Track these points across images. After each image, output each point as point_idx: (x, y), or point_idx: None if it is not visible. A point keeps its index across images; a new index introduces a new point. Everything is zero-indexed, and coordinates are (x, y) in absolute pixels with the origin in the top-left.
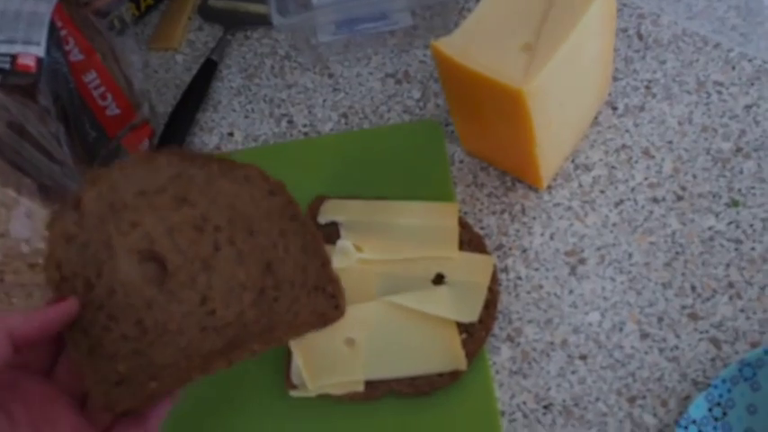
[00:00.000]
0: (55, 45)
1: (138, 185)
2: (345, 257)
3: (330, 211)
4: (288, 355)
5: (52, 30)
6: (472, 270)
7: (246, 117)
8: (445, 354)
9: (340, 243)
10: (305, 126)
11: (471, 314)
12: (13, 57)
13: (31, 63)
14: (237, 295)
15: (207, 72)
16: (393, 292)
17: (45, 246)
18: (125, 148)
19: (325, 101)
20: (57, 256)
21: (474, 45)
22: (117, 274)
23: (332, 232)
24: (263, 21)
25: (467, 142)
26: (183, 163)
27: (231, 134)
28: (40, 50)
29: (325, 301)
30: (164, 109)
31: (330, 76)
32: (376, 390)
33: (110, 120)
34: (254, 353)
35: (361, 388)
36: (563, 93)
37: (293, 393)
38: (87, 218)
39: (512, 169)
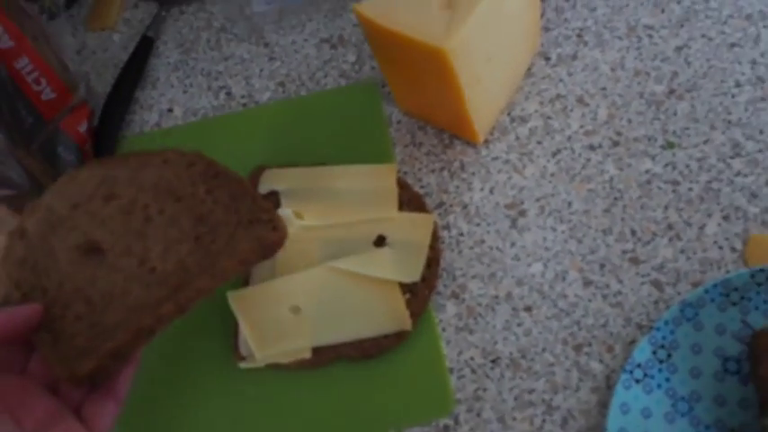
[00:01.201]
0: None
1: (70, 200)
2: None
3: (269, 181)
4: (235, 327)
5: None
6: (412, 229)
7: (185, 92)
8: (390, 315)
9: (280, 212)
10: (243, 97)
11: (413, 274)
12: None
13: None
14: (174, 249)
15: (144, 49)
16: (336, 256)
17: (2, 275)
18: (64, 130)
19: (261, 70)
20: (14, 278)
21: (395, 6)
22: (61, 269)
23: (272, 202)
24: None
25: (402, 103)
26: (104, 168)
27: (171, 110)
28: None
29: (263, 227)
30: (103, 89)
31: (266, 45)
32: (324, 356)
33: (45, 104)
34: (202, 292)
35: (308, 355)
36: (489, 48)
37: (242, 365)
38: (32, 241)
39: (448, 126)
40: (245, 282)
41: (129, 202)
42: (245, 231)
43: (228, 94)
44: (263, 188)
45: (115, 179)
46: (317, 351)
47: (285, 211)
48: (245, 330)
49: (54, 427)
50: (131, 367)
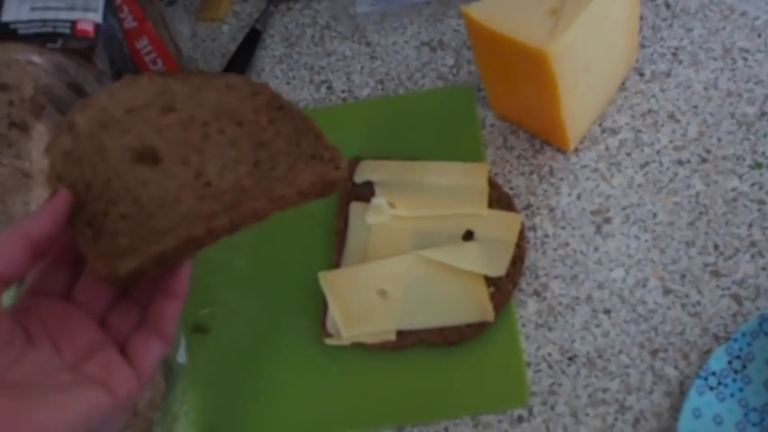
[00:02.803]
0: (110, 12)
1: (125, 104)
2: (380, 214)
3: (365, 171)
4: (324, 305)
5: None
6: (500, 227)
7: (288, 83)
8: (473, 306)
9: (375, 200)
10: (343, 92)
11: (498, 269)
12: (73, 23)
13: (90, 28)
14: (232, 168)
15: (251, 41)
16: (424, 246)
17: (47, 167)
18: None
19: (362, 68)
20: (57, 170)
21: (502, 10)
22: (111, 166)
23: (367, 191)
24: None
25: (497, 107)
26: (166, 80)
27: None
28: (97, 17)
29: (324, 165)
30: None
31: (368, 44)
32: (407, 339)
33: None
34: (257, 213)
35: (392, 337)
36: (588, 56)
37: (328, 341)
38: (81, 136)
39: (540, 132)
40: (336, 264)
41: (188, 117)
42: (305, 164)
43: (329, 88)
44: (359, 178)
45: (175, 93)
46: (400, 334)
47: (379, 200)
48: (333, 309)
49: (94, 357)
50: (177, 305)
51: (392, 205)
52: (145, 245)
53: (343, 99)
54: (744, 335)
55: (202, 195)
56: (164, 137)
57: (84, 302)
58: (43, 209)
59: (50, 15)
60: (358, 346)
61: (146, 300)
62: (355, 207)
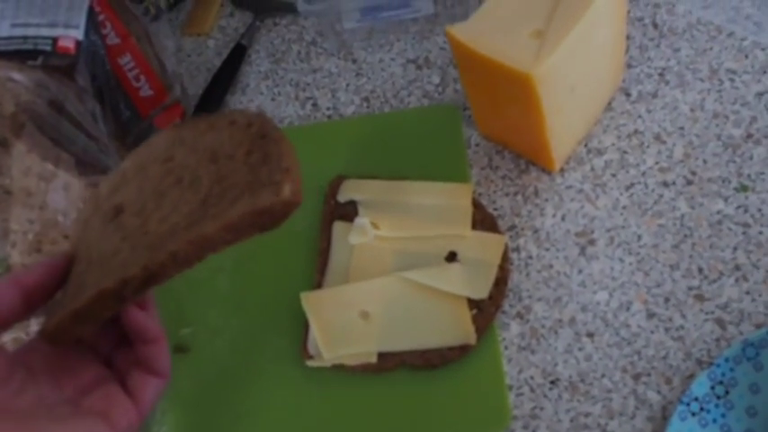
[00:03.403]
0: (93, 29)
1: (140, 162)
2: (362, 234)
3: (349, 190)
4: (306, 326)
5: (91, 14)
6: (484, 248)
7: (273, 100)
8: (456, 328)
9: (358, 220)
10: (328, 109)
11: (481, 291)
12: (54, 39)
13: (71, 45)
14: (177, 212)
15: (237, 56)
16: (407, 268)
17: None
18: (157, 127)
19: (348, 85)
20: (74, 238)
21: (487, 31)
22: (93, 229)
23: (350, 210)
24: (292, 8)
25: (483, 126)
26: (179, 130)
27: None
28: (78, 33)
29: (267, 191)
30: (195, 91)
31: (354, 61)
32: (388, 361)
33: (143, 100)
34: (175, 257)
35: (374, 359)
36: (573, 78)
37: (309, 363)
38: (98, 204)
39: (525, 152)
40: (318, 284)
41: (177, 165)
42: (249, 196)
43: (314, 104)
44: (342, 197)
45: (182, 141)
46: (382, 356)
47: (362, 221)
48: (314, 330)
49: (95, 391)
50: (160, 347)
51: (375, 225)
52: (69, 302)
53: (329, 116)
54: (727, 360)
55: (136, 245)
56: (138, 189)
57: (88, 339)
58: (41, 263)
59: (31, 32)
60: (339, 368)
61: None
62: (338, 227)
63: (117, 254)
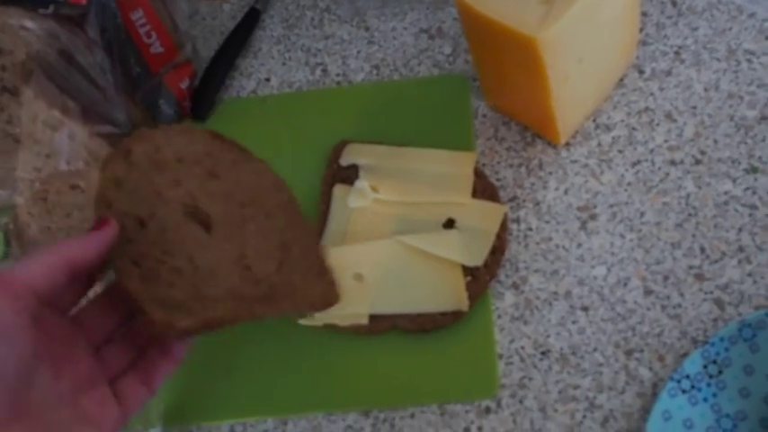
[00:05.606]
0: None
1: (177, 152)
2: (362, 197)
3: (352, 154)
4: None
5: None
6: (482, 217)
7: (284, 64)
8: (449, 294)
9: (357, 183)
10: (338, 75)
11: (477, 258)
12: None
13: None
14: (264, 260)
15: (250, 21)
16: (405, 233)
17: (98, 186)
18: (167, 84)
19: (359, 52)
20: (108, 197)
21: None
22: (168, 216)
23: (352, 174)
24: None
25: (490, 97)
26: (214, 142)
27: (268, 79)
28: None
29: (327, 286)
30: (208, 54)
31: (366, 29)
32: (380, 324)
33: (153, 57)
34: (281, 313)
35: (365, 321)
36: (581, 48)
37: (302, 321)
38: (135, 168)
39: (532, 124)
40: None
41: (229, 191)
42: (314, 280)
43: (324, 71)
44: (345, 161)
45: (219, 160)
46: (374, 319)
47: (362, 183)
48: None
49: (90, 391)
50: (173, 367)
51: (375, 189)
52: (200, 308)
53: (338, 83)
54: (722, 340)
55: (244, 277)
56: (213, 204)
57: (86, 327)
58: (90, 236)
59: None
60: (330, 328)
61: (142, 344)
62: (338, 190)
63: (228, 277)
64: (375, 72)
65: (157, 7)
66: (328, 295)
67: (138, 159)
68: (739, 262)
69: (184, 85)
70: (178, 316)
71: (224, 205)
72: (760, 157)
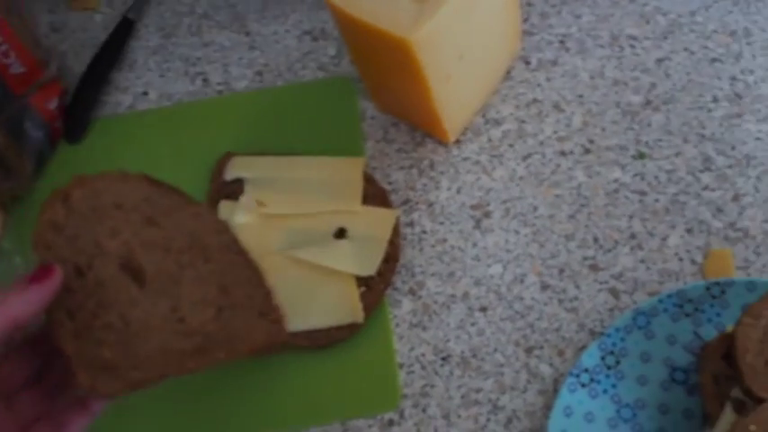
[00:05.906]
0: None
1: (116, 197)
2: (248, 213)
3: (236, 168)
4: None
5: None
6: (373, 224)
7: (162, 76)
8: (342, 307)
9: (242, 198)
10: (219, 84)
11: (369, 268)
12: None
13: None
14: (200, 309)
15: (124, 31)
16: (296, 246)
17: (35, 229)
18: (33, 106)
19: (240, 59)
20: (46, 239)
21: None
22: (104, 268)
23: (237, 189)
24: None
25: (376, 99)
26: (151, 187)
27: (146, 93)
28: None
29: (272, 326)
30: (80, 69)
31: (247, 34)
32: None
33: (14, 77)
34: (219, 360)
35: None
36: (461, 45)
37: None
38: (74, 213)
39: (420, 124)
40: None
41: (167, 238)
42: (257, 321)
43: (205, 80)
44: (229, 175)
45: (157, 205)
46: None
47: (246, 198)
48: None
49: (35, 426)
50: (88, 420)
51: (262, 203)
52: (127, 367)
53: (220, 92)
54: (617, 330)
55: (176, 331)
56: (149, 255)
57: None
58: (32, 289)
59: None
60: None
61: (57, 393)
62: (224, 206)
63: (160, 332)
64: (258, 79)
65: (13, 23)
66: (272, 335)
67: (77, 205)
68: (631, 249)
69: (53, 105)
70: (103, 380)
71: (160, 254)
72: (647, 143)
